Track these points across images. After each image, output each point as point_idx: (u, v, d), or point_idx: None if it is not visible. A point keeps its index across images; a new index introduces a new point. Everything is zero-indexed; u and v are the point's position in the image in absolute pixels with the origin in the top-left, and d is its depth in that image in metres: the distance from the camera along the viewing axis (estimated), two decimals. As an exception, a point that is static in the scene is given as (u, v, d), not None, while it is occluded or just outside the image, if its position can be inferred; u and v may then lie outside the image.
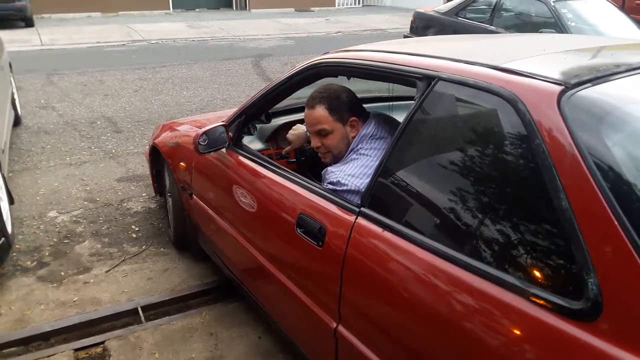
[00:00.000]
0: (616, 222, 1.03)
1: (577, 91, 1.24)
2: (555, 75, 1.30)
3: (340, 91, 2.03)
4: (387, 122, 2.03)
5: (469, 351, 1.21)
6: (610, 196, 1.05)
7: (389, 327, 1.45)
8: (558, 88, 1.24)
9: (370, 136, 1.94)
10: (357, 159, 1.89)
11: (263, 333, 2.48)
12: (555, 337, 1.05)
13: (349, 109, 2.00)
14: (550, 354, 1.06)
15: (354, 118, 1.99)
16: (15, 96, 5.36)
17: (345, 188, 1.77)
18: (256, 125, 2.52)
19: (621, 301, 1.00)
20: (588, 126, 1.20)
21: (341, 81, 2.12)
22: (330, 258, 1.62)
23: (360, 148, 1.93)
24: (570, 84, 1.25)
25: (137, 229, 3.45)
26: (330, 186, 1.82)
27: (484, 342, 1.17)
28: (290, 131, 2.47)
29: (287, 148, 2.51)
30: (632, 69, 1.36)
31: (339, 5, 19.03)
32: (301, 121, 2.59)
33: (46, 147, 4.89)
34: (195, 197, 2.67)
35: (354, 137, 1.98)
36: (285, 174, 1.98)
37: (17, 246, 3.17)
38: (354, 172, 1.82)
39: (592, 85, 1.27)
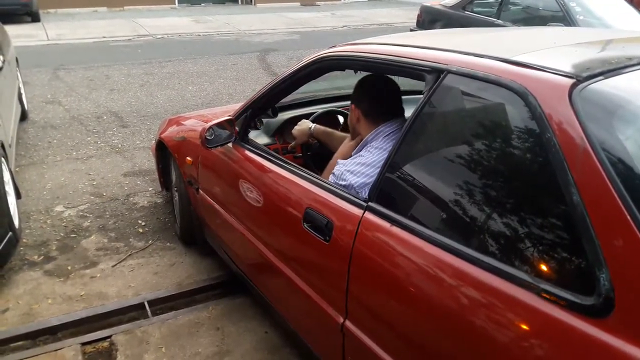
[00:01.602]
0: (628, 217, 1.01)
1: (589, 84, 1.22)
2: (567, 68, 1.28)
3: (371, 81, 2.01)
4: None
5: (478, 347, 1.20)
6: (623, 190, 1.04)
7: (397, 323, 1.44)
8: (569, 81, 1.22)
9: (387, 135, 1.88)
10: (362, 155, 1.88)
11: (270, 328, 2.48)
12: (566, 334, 1.04)
13: (357, 95, 2.00)
14: (561, 351, 1.04)
15: (352, 104, 2.00)
16: (22, 91, 5.37)
17: (342, 183, 1.79)
18: (262, 119, 2.51)
19: (634, 297, 0.99)
20: (600, 120, 1.18)
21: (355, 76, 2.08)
22: (337, 253, 1.61)
23: (370, 146, 1.89)
24: (581, 77, 1.23)
25: (143, 223, 3.45)
26: (332, 177, 1.85)
27: (494, 338, 1.16)
28: (295, 127, 2.46)
29: (293, 144, 2.50)
30: (644, 62, 1.34)
31: (344, -1, 18.93)
32: (307, 116, 2.58)
33: (53, 141, 4.90)
34: (201, 191, 2.66)
35: (356, 123, 2.00)
36: (292, 168, 1.97)
37: (24, 240, 3.18)
38: (352, 168, 1.82)
39: (604, 79, 1.25)
